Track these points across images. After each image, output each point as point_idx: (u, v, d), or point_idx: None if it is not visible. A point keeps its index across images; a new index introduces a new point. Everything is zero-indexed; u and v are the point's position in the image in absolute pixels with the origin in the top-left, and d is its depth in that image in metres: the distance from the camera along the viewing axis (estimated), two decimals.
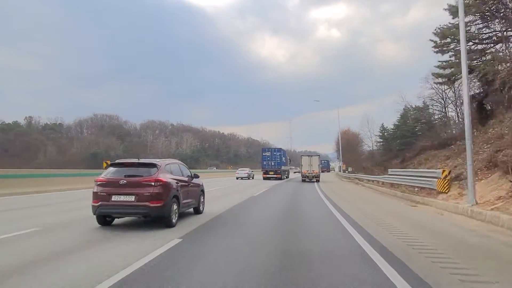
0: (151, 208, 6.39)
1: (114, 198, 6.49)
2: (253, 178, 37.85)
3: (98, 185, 6.65)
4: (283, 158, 35.49)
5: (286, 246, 5.19)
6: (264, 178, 33.39)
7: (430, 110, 45.10)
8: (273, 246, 5.05)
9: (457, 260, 4.28)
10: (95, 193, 6.61)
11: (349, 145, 61.24)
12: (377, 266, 3.95)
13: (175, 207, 6.91)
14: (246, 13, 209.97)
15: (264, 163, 34.11)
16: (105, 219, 6.86)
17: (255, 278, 3.52)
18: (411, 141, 40.57)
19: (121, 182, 6.52)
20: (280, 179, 33.49)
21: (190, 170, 8.73)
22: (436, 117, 45.10)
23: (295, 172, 51.95)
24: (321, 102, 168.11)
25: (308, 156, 31.97)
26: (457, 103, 38.61)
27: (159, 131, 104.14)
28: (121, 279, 3.44)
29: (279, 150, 35.85)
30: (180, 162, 8.25)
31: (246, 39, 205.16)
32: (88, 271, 3.79)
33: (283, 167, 35.03)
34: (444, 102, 43.65)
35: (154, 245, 5.08)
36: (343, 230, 6.53)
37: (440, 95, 41.55)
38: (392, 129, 51.79)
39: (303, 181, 30.16)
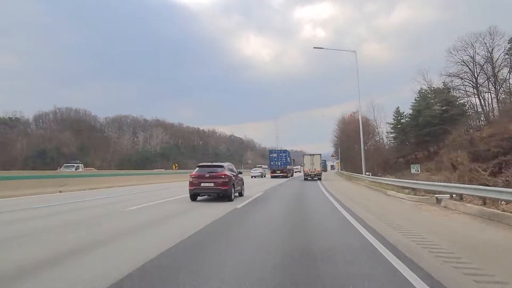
0: (222, 190, 12.03)
1: (202, 184, 12.06)
2: (265, 176, 42.36)
3: (193, 177, 12.18)
4: (288, 158, 40.17)
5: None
6: (272, 177, 37.48)
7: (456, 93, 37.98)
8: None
9: None
10: (190, 182, 12.13)
11: (352, 139, 46.92)
12: None
13: (232, 190, 12.54)
14: (231, 11, 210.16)
15: (272, 163, 38.53)
16: (195, 197, 12.35)
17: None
18: (439, 130, 35.48)
19: (206, 175, 12.12)
20: (286, 177, 38.18)
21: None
22: (463, 101, 38.79)
23: (295, 172, 53.42)
24: (307, 101, 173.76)
25: (310, 155, 34.15)
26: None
27: (127, 126, 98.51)
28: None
29: (285, 151, 40.51)
30: (232, 164, 13.94)
31: (230, 38, 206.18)
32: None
33: (288, 166, 39.78)
34: (476, 79, 37.14)
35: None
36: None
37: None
38: (411, 114, 42.86)
39: (305, 179, 32.43)
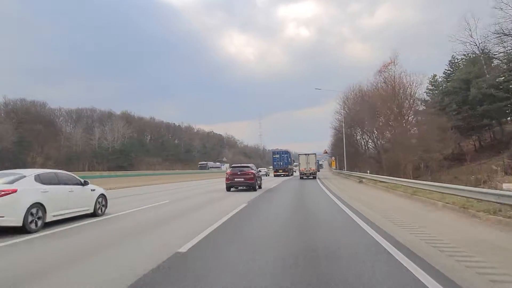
0: (249, 183, 16.47)
1: (235, 179, 16.05)
2: (268, 175, 45.65)
3: (228, 174, 16.18)
4: (289, 159, 43.81)
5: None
6: (275, 175, 40.92)
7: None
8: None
9: None
10: (227, 178, 16.22)
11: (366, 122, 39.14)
12: None
13: (256, 183, 16.80)
14: (213, 8, 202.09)
15: (275, 163, 41.90)
16: (229, 189, 16.36)
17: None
18: (503, 108, 25.20)
19: (238, 172, 16.29)
20: (288, 175, 41.83)
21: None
22: None
23: (295, 171, 51.88)
24: (291, 101, 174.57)
25: (306, 155, 35.30)
26: None
27: (87, 119, 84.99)
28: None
29: (286, 152, 44.20)
30: (254, 165, 17.94)
31: (213, 36, 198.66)
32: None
33: (289, 166, 43.51)
34: None
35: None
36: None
37: None
38: (454, 88, 29.44)
39: (301, 178, 33.83)
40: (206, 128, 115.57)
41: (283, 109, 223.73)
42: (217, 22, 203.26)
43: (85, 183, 8.38)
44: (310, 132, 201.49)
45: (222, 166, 76.50)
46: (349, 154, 41.73)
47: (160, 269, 3.97)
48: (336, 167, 59.00)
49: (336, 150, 58.37)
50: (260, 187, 18.57)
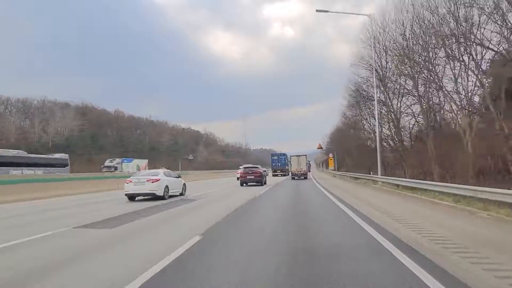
0: (258, 180, 22.33)
1: (247, 177, 22.52)
2: (267, 175, 48.59)
3: (241, 173, 22.75)
4: (286, 160, 47.63)
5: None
6: (273, 175, 44.75)
7: None
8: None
9: None
10: (240, 175, 22.67)
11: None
12: None
13: (263, 179, 23.20)
14: (197, 5, 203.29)
15: (273, 164, 46.32)
16: (242, 184, 22.50)
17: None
18: None
19: (249, 172, 22.58)
20: (285, 175, 45.66)
21: None
22: None
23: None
24: (276, 100, 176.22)
25: (297, 156, 37.09)
26: None
27: (35, 110, 70.84)
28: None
29: (284, 154, 48.58)
30: (261, 166, 24.63)
31: (198, 34, 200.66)
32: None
33: (286, 167, 47.41)
34: None
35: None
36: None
37: None
38: None
39: (293, 178, 35.27)
40: (185, 125, 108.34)
41: (268, 108, 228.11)
42: (202, 20, 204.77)
43: (178, 176, 15.39)
44: (294, 131, 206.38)
45: (126, 165, 52.26)
46: (349, 151, 40.17)
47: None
48: (334, 167, 47.16)
49: (336, 145, 49.20)
50: (265, 183, 23.95)
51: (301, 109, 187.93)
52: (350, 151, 43.15)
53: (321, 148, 61.15)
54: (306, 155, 37.79)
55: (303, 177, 34.66)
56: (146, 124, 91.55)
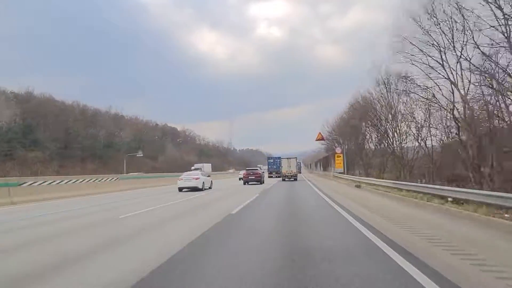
0: (258, 179, 27.96)
1: (249, 177, 28.72)
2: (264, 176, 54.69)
3: (244, 174, 29.19)
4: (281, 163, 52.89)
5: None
6: (269, 177, 47.04)
7: None
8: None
9: None
10: (244, 176, 28.90)
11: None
12: None
13: (262, 179, 29.61)
14: (182, 3, 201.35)
15: (269, 166, 49.75)
16: (245, 184, 28.37)
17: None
18: None
19: (251, 173, 28.57)
20: (279, 176, 47.27)
21: None
22: None
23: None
24: (262, 102, 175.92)
25: (287, 158, 38.42)
26: None
27: None
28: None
29: (279, 158, 49.73)
30: (260, 167, 31.22)
31: (183, 33, 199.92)
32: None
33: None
34: None
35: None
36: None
37: None
38: None
39: (283, 180, 36.41)
40: (160, 122, 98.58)
41: (254, 109, 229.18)
42: (187, 18, 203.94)
43: (208, 176, 22.42)
44: (280, 133, 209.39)
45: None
46: (351, 151, 37.30)
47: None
48: (344, 169, 35.06)
49: (347, 135, 40.80)
50: (263, 182, 29.49)
51: (289, 109, 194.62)
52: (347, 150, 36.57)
53: (322, 139, 47.62)
54: (296, 158, 39.27)
55: (293, 179, 35.89)
56: (104, 118, 75.32)
